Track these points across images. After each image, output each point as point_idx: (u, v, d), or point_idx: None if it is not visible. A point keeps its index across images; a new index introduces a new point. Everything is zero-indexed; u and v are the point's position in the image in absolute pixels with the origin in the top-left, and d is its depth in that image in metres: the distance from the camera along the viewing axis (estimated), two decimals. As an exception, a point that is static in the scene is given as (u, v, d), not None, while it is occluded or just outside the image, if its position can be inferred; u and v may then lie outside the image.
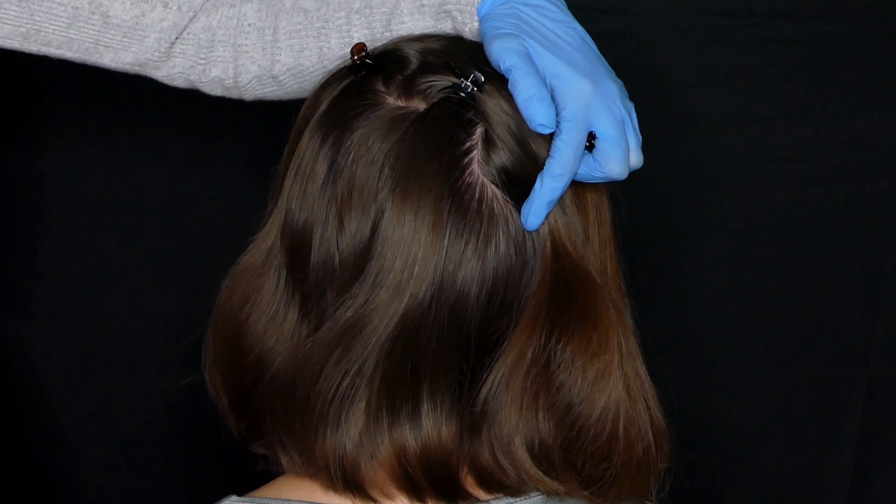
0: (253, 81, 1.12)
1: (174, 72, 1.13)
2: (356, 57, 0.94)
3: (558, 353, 0.92)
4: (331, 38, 1.06)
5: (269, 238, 0.97)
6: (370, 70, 0.94)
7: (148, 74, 1.14)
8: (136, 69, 1.13)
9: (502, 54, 0.92)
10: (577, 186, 0.93)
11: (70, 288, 1.73)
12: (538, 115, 0.90)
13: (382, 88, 0.93)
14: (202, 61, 1.12)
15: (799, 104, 1.70)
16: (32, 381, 1.73)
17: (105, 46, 1.10)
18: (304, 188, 0.93)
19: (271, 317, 0.96)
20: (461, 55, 0.94)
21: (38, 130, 1.67)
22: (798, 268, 1.76)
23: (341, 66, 0.97)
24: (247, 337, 0.97)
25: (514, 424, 0.91)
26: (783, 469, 1.83)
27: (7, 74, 1.59)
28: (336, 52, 1.06)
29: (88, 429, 1.79)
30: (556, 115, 0.91)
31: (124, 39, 1.10)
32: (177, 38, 1.11)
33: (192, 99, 1.66)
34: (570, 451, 0.93)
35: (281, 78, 1.10)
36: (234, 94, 1.15)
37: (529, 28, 0.95)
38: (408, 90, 0.92)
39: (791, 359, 1.79)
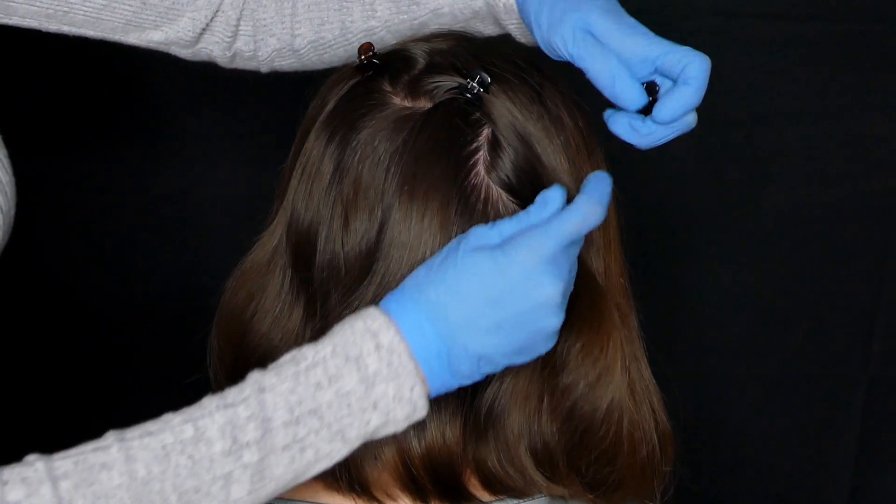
0: (273, 54, 1.11)
1: (198, 46, 1.12)
2: (363, 56, 0.94)
3: (562, 354, 0.92)
4: (353, 11, 1.06)
5: (274, 237, 0.96)
6: (377, 70, 0.94)
7: (171, 52, 1.13)
8: (161, 47, 1.12)
9: (568, 39, 0.95)
10: None
11: (71, 287, 1.73)
12: (632, 93, 0.94)
13: (389, 88, 0.93)
14: (229, 38, 1.11)
15: (799, 104, 1.70)
16: (33, 382, 1.73)
17: (136, 26, 1.09)
18: (309, 188, 0.93)
19: (276, 316, 0.96)
20: (468, 56, 0.94)
21: (36, 130, 1.67)
22: (798, 268, 1.76)
23: (348, 65, 0.97)
24: (251, 336, 0.97)
25: (519, 428, 0.91)
26: (783, 469, 1.83)
27: (6, 71, 1.59)
28: (359, 26, 1.06)
29: (91, 428, 1.79)
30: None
31: (158, 19, 1.09)
32: (212, 18, 1.10)
33: (195, 98, 1.66)
34: (574, 455, 0.93)
35: (301, 51, 1.09)
36: (251, 66, 1.14)
37: None
38: (414, 90, 0.92)
39: (791, 359, 1.79)
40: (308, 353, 0.83)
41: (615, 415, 0.93)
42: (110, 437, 0.81)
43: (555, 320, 0.85)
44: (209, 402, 0.82)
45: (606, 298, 0.94)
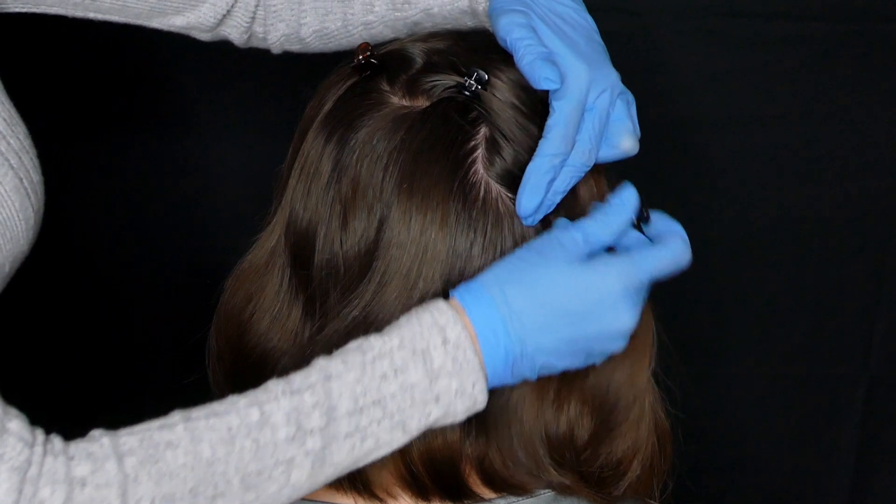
0: (281, 39, 1.13)
1: (218, 30, 1.14)
2: (361, 56, 0.95)
3: None
4: (354, 4, 1.07)
5: (272, 237, 0.97)
6: (374, 70, 0.94)
7: (191, 35, 1.14)
8: (182, 31, 1.13)
9: (510, 28, 0.93)
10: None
11: (71, 287, 1.73)
12: (543, 71, 0.90)
13: (387, 88, 0.93)
14: (247, 22, 1.12)
15: (799, 104, 1.70)
16: (33, 382, 1.73)
17: (159, 12, 1.10)
18: (308, 187, 0.93)
19: (274, 316, 0.96)
20: (465, 54, 0.94)
21: (36, 128, 1.67)
22: (798, 268, 1.76)
23: (346, 65, 0.97)
24: (250, 336, 0.97)
25: (535, 420, 0.91)
26: (783, 469, 1.83)
27: (7, 70, 1.59)
28: (359, 19, 1.07)
29: (89, 428, 1.79)
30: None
31: (181, 5, 1.10)
32: (233, 4, 1.11)
33: (195, 97, 1.66)
34: (593, 441, 0.93)
35: (307, 39, 1.11)
36: (262, 46, 1.16)
37: (538, 8, 0.95)
38: (412, 90, 0.92)
39: (791, 359, 1.79)
40: (375, 343, 0.84)
41: (644, 389, 0.95)
42: (176, 416, 0.82)
43: (621, 345, 0.87)
44: (275, 387, 0.83)
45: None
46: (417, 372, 0.83)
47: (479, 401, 0.85)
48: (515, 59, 0.92)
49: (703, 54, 1.67)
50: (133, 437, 0.80)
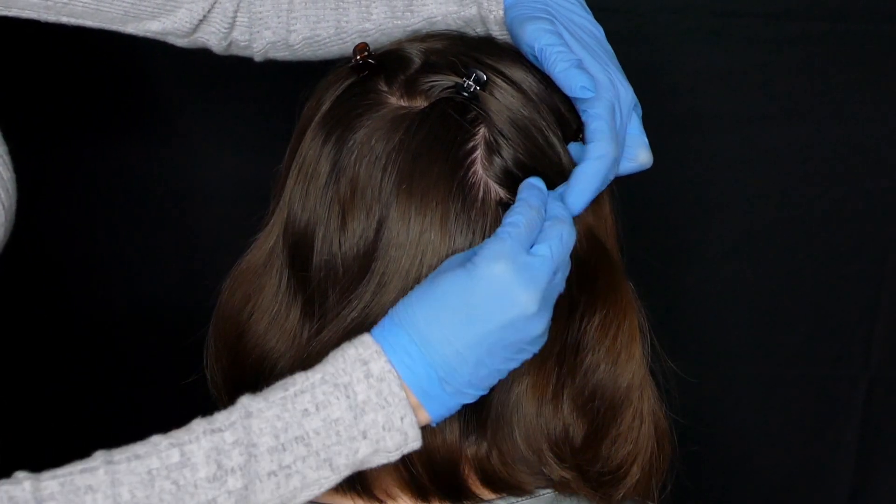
0: (267, 47, 1.12)
1: (195, 36, 1.13)
2: (358, 57, 0.94)
3: (583, 334, 0.92)
4: (349, 11, 1.07)
5: (270, 238, 0.96)
6: (373, 70, 0.94)
7: (168, 41, 1.14)
8: (158, 37, 1.13)
9: (538, 35, 0.93)
10: None
11: (70, 287, 1.73)
12: (580, 80, 0.91)
13: (385, 88, 0.93)
14: (226, 29, 1.12)
15: (799, 104, 1.70)
16: (32, 381, 1.73)
17: (133, 17, 1.09)
18: (306, 188, 0.93)
19: (273, 317, 0.96)
20: (464, 55, 0.94)
21: (36, 127, 1.67)
22: (798, 268, 1.76)
23: (344, 65, 0.97)
24: (248, 337, 0.97)
25: (536, 417, 0.91)
26: (784, 468, 1.83)
27: (6, 69, 1.59)
28: (354, 26, 1.07)
29: (88, 428, 1.79)
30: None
31: (155, 10, 1.10)
32: (210, 10, 1.11)
33: (194, 97, 1.66)
34: (594, 436, 0.93)
35: (296, 46, 1.11)
36: (244, 54, 1.15)
37: (559, 16, 0.96)
38: (410, 90, 0.92)
39: (791, 359, 1.79)
40: (298, 379, 0.83)
41: (636, 393, 0.94)
42: (98, 459, 0.81)
43: (537, 326, 0.85)
44: (197, 426, 0.82)
45: (623, 275, 0.94)
46: (340, 407, 0.82)
47: (410, 436, 0.83)
48: (546, 65, 0.93)
49: (703, 54, 1.67)
50: (55, 482, 0.79)
